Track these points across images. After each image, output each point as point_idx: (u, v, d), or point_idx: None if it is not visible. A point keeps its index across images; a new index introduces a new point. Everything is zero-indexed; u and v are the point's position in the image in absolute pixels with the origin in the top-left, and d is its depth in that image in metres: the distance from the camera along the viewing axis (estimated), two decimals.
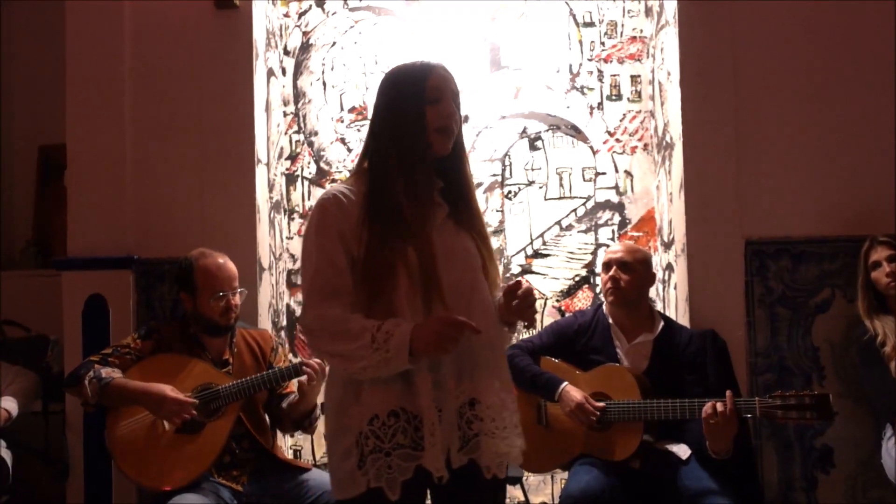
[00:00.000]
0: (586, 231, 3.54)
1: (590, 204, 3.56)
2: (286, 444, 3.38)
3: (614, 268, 2.75)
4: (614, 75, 3.58)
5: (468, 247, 1.85)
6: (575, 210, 3.56)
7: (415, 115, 1.80)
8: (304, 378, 2.57)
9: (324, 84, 3.67)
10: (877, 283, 2.86)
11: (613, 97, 3.58)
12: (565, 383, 2.62)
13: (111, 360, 2.63)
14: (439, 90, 1.82)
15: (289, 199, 3.63)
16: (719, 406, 2.39)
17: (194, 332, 2.71)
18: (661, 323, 2.76)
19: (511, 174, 3.58)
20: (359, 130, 3.64)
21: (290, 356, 3.19)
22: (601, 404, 2.55)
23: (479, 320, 1.74)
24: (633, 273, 2.75)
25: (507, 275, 3.51)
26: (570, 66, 3.59)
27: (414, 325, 1.69)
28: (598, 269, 3.16)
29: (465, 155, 1.91)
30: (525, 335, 2.91)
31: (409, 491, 1.73)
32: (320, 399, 2.51)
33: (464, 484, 1.76)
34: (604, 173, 3.56)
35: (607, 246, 3.40)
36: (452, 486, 1.75)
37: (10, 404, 3.08)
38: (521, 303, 1.80)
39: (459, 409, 1.76)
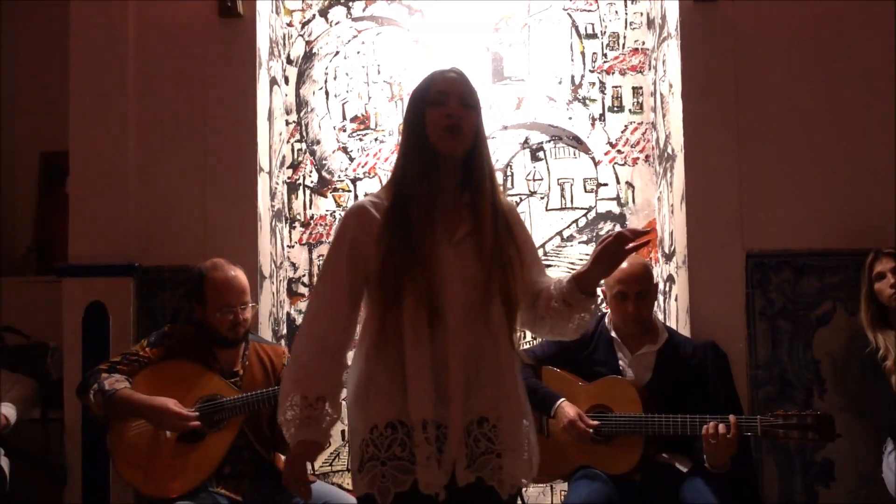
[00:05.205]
0: (587, 242, 3.54)
1: (591, 215, 3.56)
2: None
3: (633, 300, 2.65)
4: (616, 87, 3.59)
5: (480, 267, 1.78)
6: (576, 221, 3.57)
7: (416, 121, 1.81)
8: None
9: (326, 93, 3.67)
10: (880, 295, 2.86)
11: (615, 108, 3.59)
12: (561, 400, 2.60)
13: (120, 368, 2.62)
14: (443, 93, 1.83)
15: (290, 208, 3.63)
16: (721, 428, 2.38)
17: (206, 341, 2.69)
18: (665, 334, 2.75)
19: (513, 184, 3.58)
20: (360, 140, 3.65)
21: None
22: (595, 423, 2.54)
23: (486, 345, 1.76)
24: (649, 297, 2.72)
25: None
26: (573, 77, 3.60)
27: (316, 444, 1.78)
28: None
29: (484, 164, 1.84)
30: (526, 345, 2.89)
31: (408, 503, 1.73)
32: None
33: (470, 502, 1.76)
34: (605, 184, 3.57)
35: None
36: (458, 503, 1.74)
37: (9, 411, 3.07)
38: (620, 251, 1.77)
39: (467, 427, 1.75)
